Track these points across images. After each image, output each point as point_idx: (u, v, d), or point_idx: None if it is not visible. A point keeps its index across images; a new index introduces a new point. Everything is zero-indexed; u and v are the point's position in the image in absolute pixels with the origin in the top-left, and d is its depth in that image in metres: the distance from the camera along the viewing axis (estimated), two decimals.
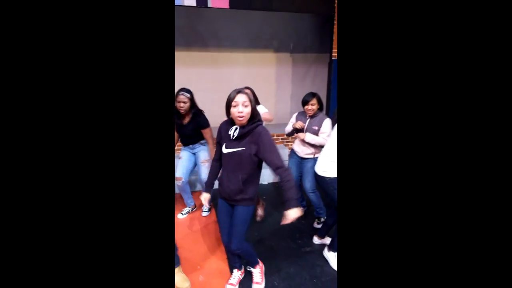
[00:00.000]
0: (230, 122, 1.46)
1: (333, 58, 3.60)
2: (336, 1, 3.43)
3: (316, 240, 2.13)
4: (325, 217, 2.30)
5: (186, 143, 2.43)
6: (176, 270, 1.72)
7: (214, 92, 4.02)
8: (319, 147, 2.17)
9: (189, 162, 2.43)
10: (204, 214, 2.55)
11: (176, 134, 2.38)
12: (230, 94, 1.38)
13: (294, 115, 2.32)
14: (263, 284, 1.68)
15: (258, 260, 1.72)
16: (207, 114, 2.38)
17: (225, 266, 1.88)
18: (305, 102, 2.14)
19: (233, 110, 1.36)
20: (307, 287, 1.70)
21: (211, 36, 3.86)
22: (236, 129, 1.40)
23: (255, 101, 2.12)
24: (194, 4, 2.92)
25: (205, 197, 1.61)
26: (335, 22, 3.51)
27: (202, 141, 2.40)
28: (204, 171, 2.38)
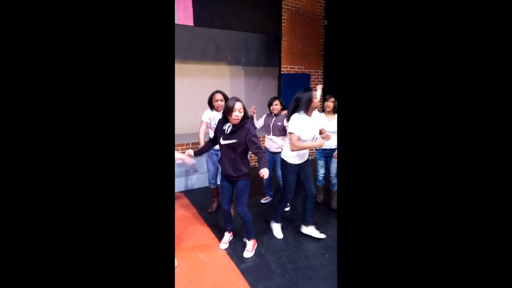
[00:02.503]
0: (224, 119, 1.93)
1: (281, 72, 4.23)
2: (283, 24, 4.10)
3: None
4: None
5: None
6: None
7: (178, 101, 4.25)
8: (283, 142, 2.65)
9: None
10: None
11: None
12: (229, 103, 1.83)
13: (263, 116, 2.79)
14: (253, 253, 2.12)
15: (254, 237, 2.17)
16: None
17: (212, 240, 2.20)
18: (270, 104, 2.66)
19: (232, 114, 1.82)
20: (286, 251, 2.15)
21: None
22: (229, 126, 1.90)
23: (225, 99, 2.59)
24: None
25: (189, 152, 1.99)
26: (282, 41, 4.17)
27: None
28: None
